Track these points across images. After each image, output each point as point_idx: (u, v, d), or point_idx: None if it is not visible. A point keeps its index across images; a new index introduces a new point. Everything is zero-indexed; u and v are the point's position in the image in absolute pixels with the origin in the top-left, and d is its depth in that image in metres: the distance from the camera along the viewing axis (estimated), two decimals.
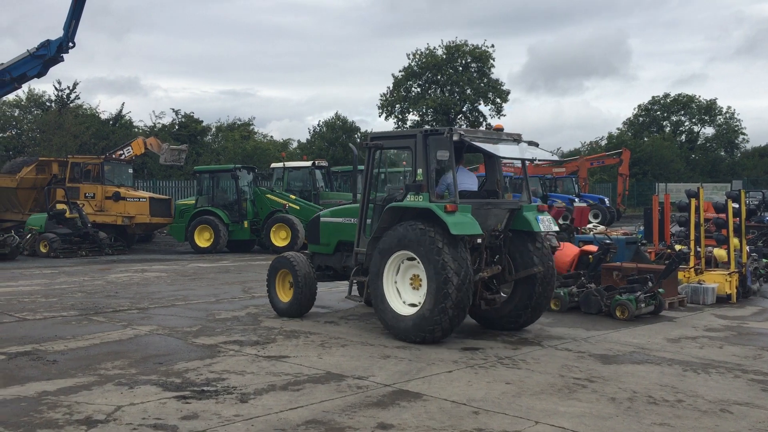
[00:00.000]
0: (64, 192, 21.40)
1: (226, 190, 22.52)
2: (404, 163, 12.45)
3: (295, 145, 50.06)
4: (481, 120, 53.27)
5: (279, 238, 21.13)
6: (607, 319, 9.60)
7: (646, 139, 60.67)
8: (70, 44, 20.48)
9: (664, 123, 66.64)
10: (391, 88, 51.98)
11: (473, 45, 51.06)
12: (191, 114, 44.11)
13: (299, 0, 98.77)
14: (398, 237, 8.22)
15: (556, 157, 9.43)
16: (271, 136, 50.98)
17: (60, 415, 5.27)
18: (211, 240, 21.36)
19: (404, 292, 8.36)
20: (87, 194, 22.00)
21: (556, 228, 9.93)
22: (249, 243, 22.37)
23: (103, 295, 11.65)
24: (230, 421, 5.19)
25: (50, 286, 12.86)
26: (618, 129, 65.06)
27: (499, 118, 52.98)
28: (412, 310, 8.11)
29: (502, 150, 8.75)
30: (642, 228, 16.19)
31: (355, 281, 9.23)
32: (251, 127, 49.47)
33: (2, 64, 21.05)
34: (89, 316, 9.61)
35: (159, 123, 42.25)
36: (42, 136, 34.03)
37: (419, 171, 8.38)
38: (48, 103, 38.26)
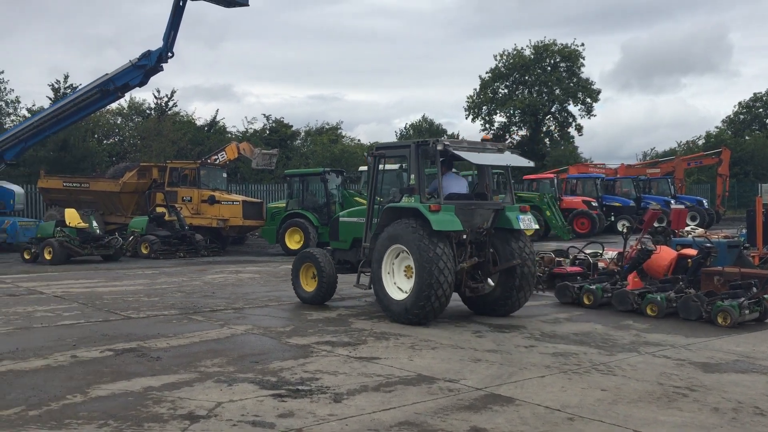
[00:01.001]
0: (164, 196, 22.34)
1: (315, 193, 22.95)
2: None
3: None
4: (570, 120, 52.18)
5: None
6: (708, 326, 9.22)
7: (747, 137, 57.82)
8: (169, 54, 21.33)
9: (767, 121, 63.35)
10: (477, 90, 51.67)
11: (562, 44, 50.14)
12: (281, 119, 45.24)
13: (388, 4, 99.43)
14: (393, 233, 9.49)
15: (532, 164, 11.50)
16: (359, 140, 51.59)
17: (164, 409, 5.51)
18: (302, 242, 21.78)
19: (399, 281, 9.57)
20: (184, 198, 22.88)
21: (536, 226, 10.76)
22: None
23: (201, 295, 12.09)
24: (325, 420, 5.30)
25: (152, 286, 13.45)
26: (717, 128, 62.29)
27: (589, 118, 51.83)
28: (404, 296, 9.31)
29: (479, 158, 9.94)
30: (744, 231, 15.45)
31: (362, 272, 10.36)
32: (339, 130, 50.26)
33: (107, 74, 22.14)
34: (189, 315, 10.00)
35: (251, 128, 43.54)
36: (142, 142, 35.64)
37: (412, 176, 9.73)
38: (148, 111, 40.02)
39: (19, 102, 34.92)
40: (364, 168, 24.91)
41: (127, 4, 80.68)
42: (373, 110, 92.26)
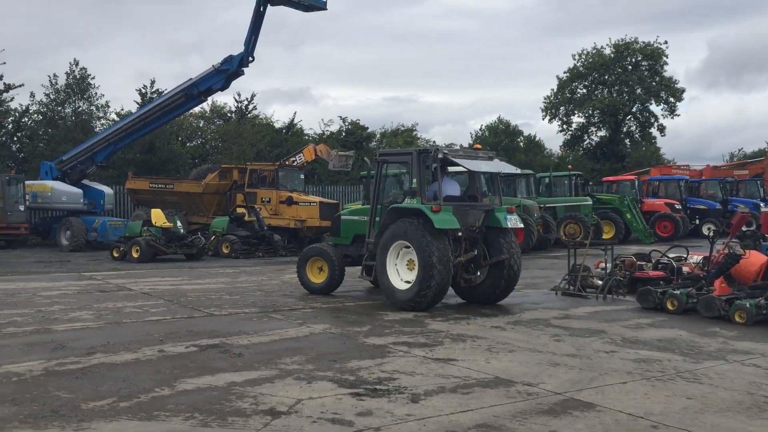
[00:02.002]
0: (244, 197, 22.91)
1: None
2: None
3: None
4: (652, 120, 50.65)
5: None
6: None
7: None
8: (250, 58, 21.88)
9: None
10: (555, 90, 50.79)
11: (644, 42, 48.70)
12: (357, 121, 45.62)
13: (464, 5, 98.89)
14: (397, 231, 10.67)
15: (518, 170, 13.97)
16: (434, 141, 51.48)
17: (247, 404, 5.66)
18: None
19: (402, 273, 10.73)
20: (263, 199, 23.40)
21: (521, 225, 11.80)
22: None
23: (280, 294, 12.34)
24: (403, 420, 5.33)
25: (233, 284, 13.82)
26: None
27: (672, 118, 50.15)
28: (407, 286, 10.49)
29: (473, 165, 11.18)
30: None
31: (366, 265, 11.54)
32: (414, 132, 50.24)
33: (191, 79, 22.90)
34: (268, 314, 10.23)
35: (327, 130, 44.06)
36: (223, 145, 36.62)
37: (414, 180, 11.00)
38: (229, 114, 41.06)
39: (108, 106, 36.36)
40: None
41: (211, 10, 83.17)
42: (449, 112, 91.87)
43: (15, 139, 34.13)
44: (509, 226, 11.15)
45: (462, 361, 7.27)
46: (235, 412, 5.46)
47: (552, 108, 50.74)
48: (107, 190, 26.25)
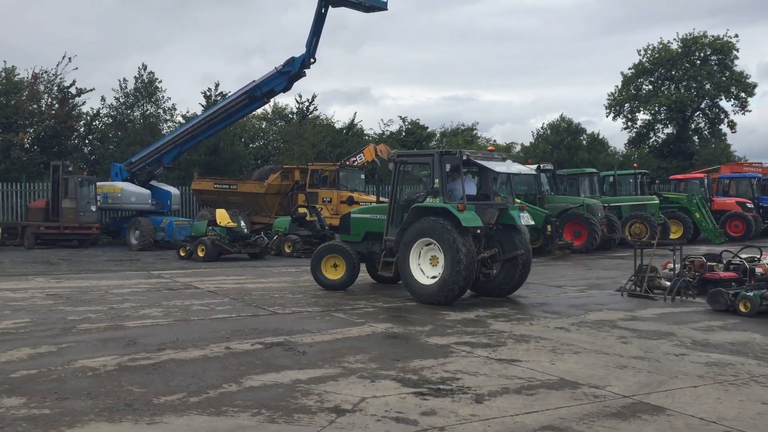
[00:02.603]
0: (305, 197, 23.19)
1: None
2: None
3: (518, 148, 49.66)
4: (722, 117, 49.02)
5: None
6: None
7: None
8: (312, 60, 22.13)
9: None
10: (619, 87, 49.65)
11: (713, 36, 47.15)
12: (417, 120, 45.62)
13: (524, 2, 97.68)
14: (423, 228, 11.18)
15: (533, 171, 14.94)
16: (494, 140, 51.08)
17: (312, 402, 5.73)
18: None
19: (426, 269, 11.27)
20: (324, 199, 23.64)
21: (532, 222, 12.91)
22: None
23: (342, 293, 12.43)
24: (467, 420, 5.31)
25: (296, 283, 14.00)
26: None
27: (743, 114, 48.42)
28: (433, 281, 11.05)
29: (498, 166, 11.96)
30: None
31: (385, 261, 12.09)
32: (474, 131, 50.01)
33: (254, 81, 23.30)
34: (330, 312, 10.33)
35: (387, 130, 44.20)
36: (285, 145, 37.13)
37: (436, 180, 11.39)
38: (290, 115, 41.61)
39: (175, 109, 37.34)
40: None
41: (273, 12, 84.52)
42: (509, 110, 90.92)
43: (87, 141, 35.38)
44: (522, 223, 11.86)
45: (526, 362, 7.19)
46: (300, 409, 5.54)
47: (616, 105, 49.61)
48: (174, 190, 26.96)
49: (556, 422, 5.29)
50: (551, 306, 11.15)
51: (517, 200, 16.37)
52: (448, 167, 11.51)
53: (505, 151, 44.84)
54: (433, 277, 11.10)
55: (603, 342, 8.27)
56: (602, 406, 5.72)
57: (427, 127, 46.09)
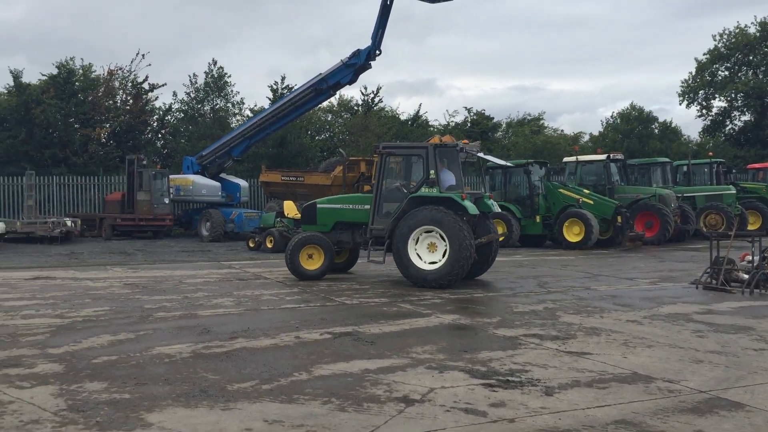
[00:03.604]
0: (370, 188, 23.28)
1: (518, 186, 22.74)
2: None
3: (586, 138, 48.65)
4: None
5: (572, 233, 20.80)
6: None
7: None
8: (377, 52, 22.17)
9: None
10: (693, 74, 48.00)
11: None
12: (482, 111, 45.23)
13: None
14: (424, 217, 11.91)
15: (508, 163, 17.21)
16: (562, 130, 50.16)
17: (381, 391, 5.78)
18: (504, 234, 21.69)
19: (424, 255, 12.00)
20: None
21: (498, 209, 14.18)
22: (541, 238, 22.32)
23: (408, 284, 12.43)
24: (537, 412, 5.26)
25: (362, 273, 14.12)
26: None
27: None
28: (433, 267, 11.85)
29: (491, 158, 14.73)
30: None
31: (373, 249, 12.81)
32: (541, 121, 49.18)
33: (320, 74, 23.52)
34: (397, 303, 10.37)
35: (452, 121, 43.99)
36: (350, 137, 37.39)
37: (431, 172, 12.15)
38: (355, 107, 41.87)
39: (243, 103, 38.10)
40: (569, 159, 24.23)
41: (339, 5, 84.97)
42: (577, 99, 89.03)
43: (159, 135, 36.46)
44: (497, 210, 13.38)
45: (597, 355, 7.07)
46: (370, 398, 5.59)
47: (690, 92, 47.98)
48: (243, 183, 27.52)
49: (629, 416, 5.18)
50: (622, 298, 10.92)
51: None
52: (445, 161, 12.56)
53: (573, 142, 44.02)
54: (432, 263, 11.87)
55: (677, 336, 8.05)
56: (677, 401, 5.58)
57: (493, 118, 45.67)
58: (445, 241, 11.81)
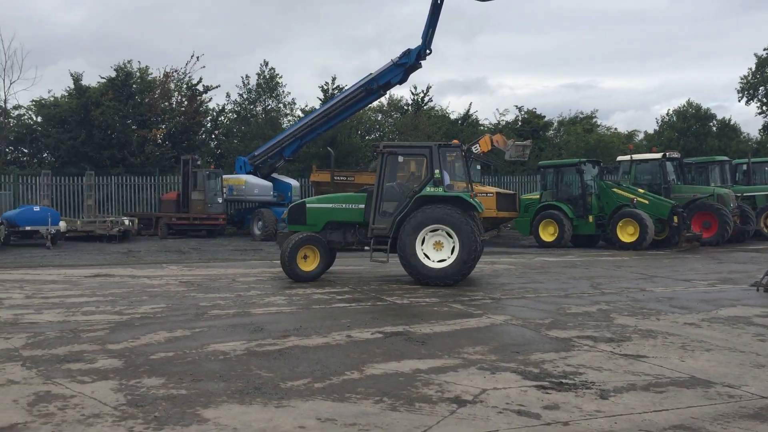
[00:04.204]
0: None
1: (570, 185, 22.44)
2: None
3: (641, 136, 47.70)
4: None
5: (626, 234, 20.43)
6: None
7: None
8: (428, 51, 22.14)
9: None
10: (753, 70, 46.62)
11: None
12: (533, 110, 44.75)
13: None
14: (432, 216, 12.11)
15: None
16: (615, 128, 49.26)
17: (432, 391, 5.77)
18: (556, 234, 21.47)
19: (430, 253, 12.17)
20: None
21: (482, 209, 13.65)
22: (594, 238, 21.99)
23: (459, 285, 12.42)
24: (592, 416, 5.19)
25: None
26: None
27: None
28: (441, 264, 12.08)
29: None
30: None
31: (375, 249, 12.75)
32: (594, 119, 48.40)
33: (370, 74, 23.60)
34: (448, 303, 10.34)
35: (503, 120, 43.64)
36: (400, 137, 37.43)
37: (436, 171, 12.27)
38: (405, 107, 41.91)
39: (294, 103, 38.54)
40: (623, 158, 23.79)
41: (390, 5, 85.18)
42: (631, 97, 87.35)
43: (213, 136, 37.11)
44: (483, 210, 13.41)
45: (653, 359, 6.93)
46: (421, 398, 5.59)
47: (750, 88, 46.66)
48: (294, 182, 27.82)
49: (687, 422, 5.06)
50: (679, 300, 10.67)
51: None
52: (449, 158, 12.80)
53: (627, 140, 43.20)
54: (441, 261, 12.10)
55: (737, 339, 7.83)
56: (738, 406, 5.43)
57: (544, 116, 45.13)
58: (452, 238, 12.06)
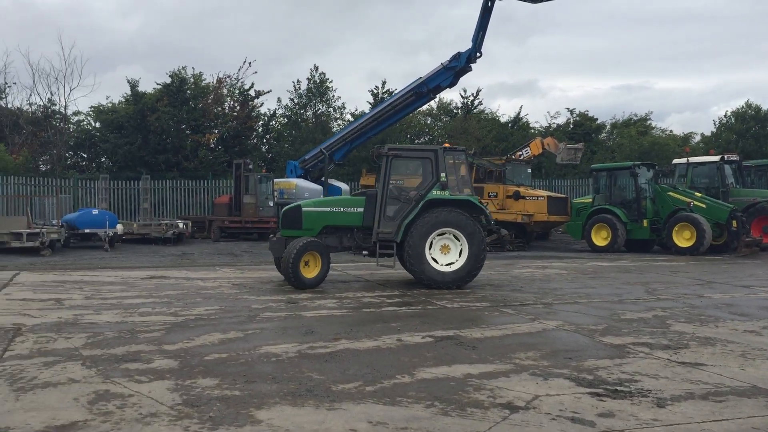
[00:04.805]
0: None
1: (624, 188, 22.04)
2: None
3: (697, 138, 46.54)
4: None
5: (682, 239, 19.97)
6: None
7: None
8: (478, 54, 22.07)
9: None
10: None
11: None
12: (585, 112, 44.08)
13: None
14: (441, 219, 12.18)
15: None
16: (671, 131, 48.15)
17: (484, 397, 5.73)
18: (609, 239, 21.12)
19: (438, 257, 12.25)
20: (490, 193, 23.48)
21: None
22: (648, 243, 21.55)
23: (510, 289, 12.32)
24: (648, 424, 5.07)
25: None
26: None
27: None
28: (450, 268, 12.21)
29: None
30: None
31: (381, 254, 12.48)
32: (648, 121, 47.38)
33: (420, 77, 23.63)
34: (499, 308, 10.26)
35: (554, 123, 43.11)
36: (450, 140, 37.31)
37: (442, 174, 12.39)
38: (454, 110, 41.77)
39: (344, 108, 38.86)
40: (679, 160, 23.25)
41: (440, 8, 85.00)
42: (687, 98, 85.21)
43: (264, 140, 37.61)
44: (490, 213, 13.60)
45: (712, 367, 6.75)
46: (473, 403, 5.55)
47: None
48: (344, 186, 27.99)
49: None
50: (739, 307, 10.37)
51: None
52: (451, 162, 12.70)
53: (683, 142, 42.22)
54: (449, 264, 12.21)
55: None
56: None
57: (597, 119, 44.41)
58: (460, 242, 12.20)
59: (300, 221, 12.82)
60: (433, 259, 12.23)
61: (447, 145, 13.59)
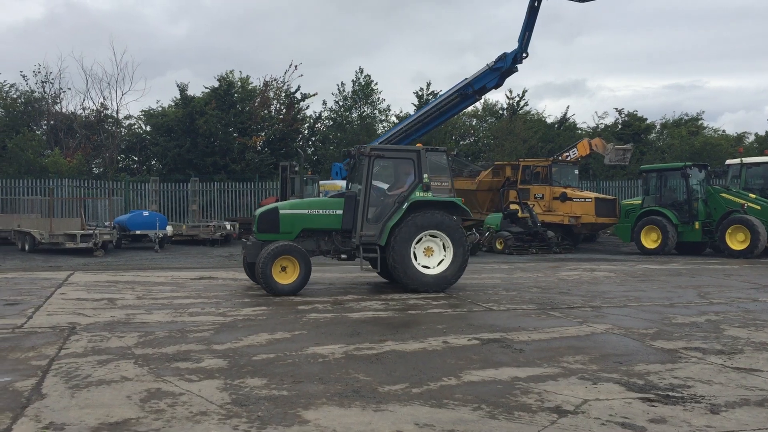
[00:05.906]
0: (516, 193, 22.98)
1: (674, 190, 21.59)
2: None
3: (751, 138, 45.28)
4: None
5: (736, 241, 19.48)
6: None
7: None
8: (524, 55, 21.87)
9: None
10: None
11: None
12: (634, 112, 43.26)
13: None
14: (427, 221, 11.96)
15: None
16: (723, 130, 46.94)
17: (532, 400, 5.67)
18: (659, 241, 20.73)
19: (421, 259, 12.07)
20: (536, 195, 23.26)
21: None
22: (700, 245, 21.06)
23: (557, 292, 12.18)
24: (702, 430, 4.96)
25: (509, 280, 13.94)
26: None
27: None
28: (436, 271, 12.04)
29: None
30: None
31: (365, 257, 12.27)
32: (700, 121, 46.29)
33: (465, 79, 23.52)
34: (546, 311, 10.15)
35: (602, 123, 42.44)
36: (495, 142, 37.08)
37: (425, 176, 12.13)
38: (500, 111, 41.46)
39: (389, 109, 38.93)
40: (732, 161, 22.67)
41: (486, 8, 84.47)
42: (741, 97, 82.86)
43: (310, 143, 37.91)
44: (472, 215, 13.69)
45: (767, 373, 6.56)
46: (520, 406, 5.51)
47: None
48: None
49: None
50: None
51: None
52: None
53: (737, 143, 41.15)
54: (433, 267, 12.07)
55: None
56: None
57: (646, 119, 43.53)
58: (444, 243, 12.09)
59: (277, 224, 12.26)
60: (417, 262, 12.00)
61: (419, 145, 13.47)
